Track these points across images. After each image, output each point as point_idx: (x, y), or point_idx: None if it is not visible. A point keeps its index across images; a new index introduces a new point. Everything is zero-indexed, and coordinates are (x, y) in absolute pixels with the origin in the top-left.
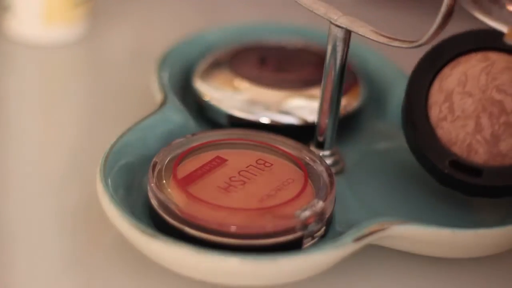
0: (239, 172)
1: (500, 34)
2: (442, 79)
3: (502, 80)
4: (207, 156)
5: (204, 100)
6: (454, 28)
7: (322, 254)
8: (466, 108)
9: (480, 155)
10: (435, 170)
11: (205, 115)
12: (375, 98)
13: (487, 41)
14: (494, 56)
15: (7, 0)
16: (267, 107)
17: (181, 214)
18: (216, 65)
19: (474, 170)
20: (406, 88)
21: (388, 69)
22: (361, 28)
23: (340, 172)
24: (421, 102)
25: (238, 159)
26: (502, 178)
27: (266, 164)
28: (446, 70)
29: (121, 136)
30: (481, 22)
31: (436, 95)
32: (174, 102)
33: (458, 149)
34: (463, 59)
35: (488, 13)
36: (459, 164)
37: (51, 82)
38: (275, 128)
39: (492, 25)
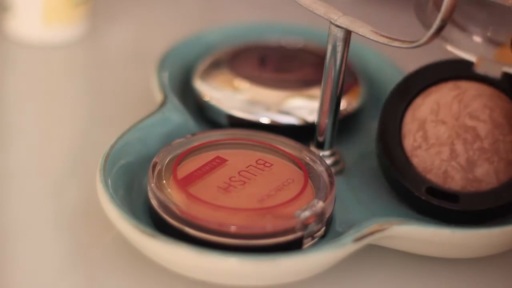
0: (239, 172)
1: (469, 64)
2: (414, 109)
3: (474, 107)
4: (207, 156)
5: (204, 100)
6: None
7: (322, 254)
8: (440, 135)
9: (456, 181)
10: (411, 198)
11: (205, 115)
12: (375, 98)
13: (457, 70)
14: (464, 84)
15: (7, 0)
16: (267, 107)
17: (181, 214)
18: (216, 65)
19: (451, 196)
20: (379, 119)
21: (388, 69)
22: (361, 28)
23: (340, 172)
24: (395, 132)
25: (238, 159)
26: (479, 203)
27: (266, 164)
28: (418, 100)
29: (121, 136)
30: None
31: (410, 125)
32: (174, 102)
33: (434, 176)
34: (434, 89)
35: (457, 41)
36: (435, 191)
37: (51, 82)
38: (275, 128)
39: (461, 55)
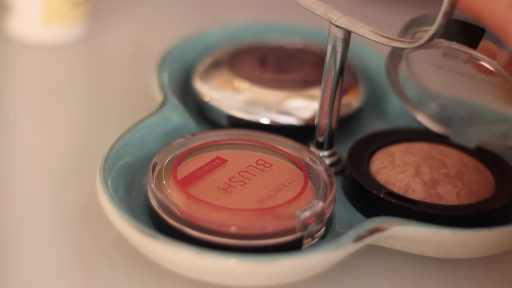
0: (239, 173)
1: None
2: (386, 148)
3: (445, 151)
4: (207, 157)
5: (204, 100)
6: None
7: (322, 254)
8: (407, 161)
9: (417, 194)
10: (370, 199)
11: (205, 115)
12: (375, 98)
13: (434, 136)
14: (437, 145)
15: (7, 0)
16: (267, 107)
17: (181, 215)
18: (216, 65)
19: (409, 200)
20: (347, 153)
21: None
22: (360, 29)
23: (340, 172)
24: (363, 160)
25: (238, 160)
26: (437, 207)
27: (266, 165)
28: (390, 147)
29: (121, 136)
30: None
31: (379, 155)
32: (174, 102)
33: (396, 188)
34: (411, 143)
35: (430, 113)
36: (394, 195)
37: (51, 82)
38: (275, 129)
39: (431, 127)
